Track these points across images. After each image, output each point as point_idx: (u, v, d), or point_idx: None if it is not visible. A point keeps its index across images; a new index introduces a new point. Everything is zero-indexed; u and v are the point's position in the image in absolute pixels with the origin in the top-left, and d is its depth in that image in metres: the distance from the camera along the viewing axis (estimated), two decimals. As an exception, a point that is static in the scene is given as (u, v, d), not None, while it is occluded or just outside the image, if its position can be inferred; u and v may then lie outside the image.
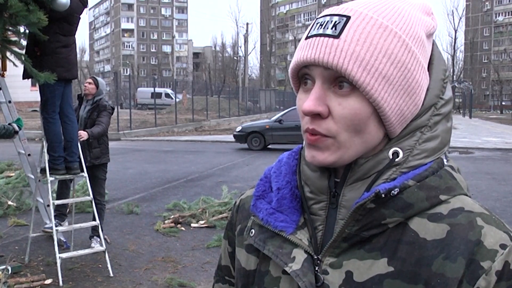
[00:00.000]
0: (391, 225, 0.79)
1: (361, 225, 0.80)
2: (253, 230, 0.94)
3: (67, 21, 5.18)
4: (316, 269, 0.84)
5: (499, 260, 0.74)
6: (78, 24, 5.42)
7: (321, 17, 0.83)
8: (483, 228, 0.77)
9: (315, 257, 0.85)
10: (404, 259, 0.78)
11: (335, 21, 0.79)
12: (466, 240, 0.76)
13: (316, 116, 0.80)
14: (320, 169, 0.87)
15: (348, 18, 0.79)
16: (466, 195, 0.84)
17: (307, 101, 0.80)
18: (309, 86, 0.83)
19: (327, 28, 0.79)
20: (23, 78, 5.19)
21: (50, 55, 5.10)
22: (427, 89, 0.84)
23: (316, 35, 0.80)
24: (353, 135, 0.80)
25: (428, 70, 0.84)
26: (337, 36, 0.78)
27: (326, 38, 0.78)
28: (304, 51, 0.81)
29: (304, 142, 0.91)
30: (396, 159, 0.82)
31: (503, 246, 0.75)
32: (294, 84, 0.88)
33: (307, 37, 0.82)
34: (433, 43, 0.88)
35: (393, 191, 0.77)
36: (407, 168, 0.81)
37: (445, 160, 0.85)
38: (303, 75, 0.84)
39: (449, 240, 0.77)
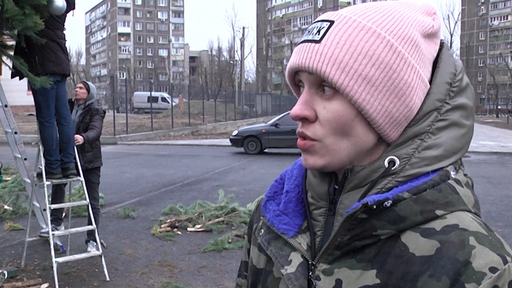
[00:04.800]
0: (383, 237, 0.78)
1: (353, 234, 0.79)
2: (262, 230, 0.96)
3: (51, 16, 5.07)
4: (310, 274, 0.85)
5: (486, 283, 0.70)
6: (64, 21, 5.36)
7: (312, 23, 0.85)
8: (474, 249, 0.73)
9: (310, 262, 0.85)
10: (391, 273, 0.76)
11: (320, 27, 0.81)
12: (454, 259, 0.72)
13: (305, 120, 0.82)
14: (320, 175, 0.88)
15: (332, 22, 0.80)
16: (469, 211, 0.79)
17: (295, 106, 0.82)
18: (301, 92, 0.85)
19: (313, 33, 0.81)
20: (12, 77, 5.15)
21: (38, 49, 5.04)
22: (428, 93, 0.81)
23: (303, 41, 0.82)
24: (340, 138, 0.80)
25: (432, 74, 0.83)
26: (318, 41, 0.79)
27: (310, 44, 0.80)
28: (293, 57, 0.83)
29: None
30: (392, 168, 0.80)
31: (492, 270, 0.71)
32: (294, 91, 0.90)
33: (297, 44, 0.86)
34: (442, 46, 0.86)
35: (385, 203, 0.76)
36: (403, 177, 0.80)
37: (452, 173, 0.81)
38: (299, 81, 0.85)
39: (436, 258, 0.74)
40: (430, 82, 0.83)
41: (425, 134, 0.81)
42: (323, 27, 0.80)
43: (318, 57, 0.78)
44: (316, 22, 0.83)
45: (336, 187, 0.87)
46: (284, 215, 0.91)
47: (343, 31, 0.78)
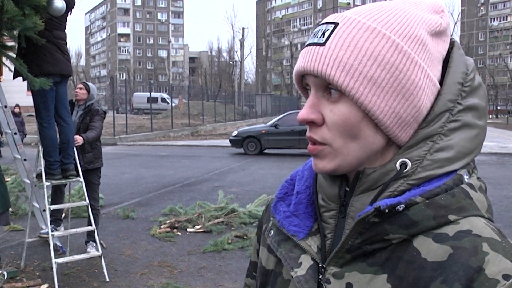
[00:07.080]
0: (395, 241, 0.77)
1: (364, 238, 0.78)
2: (272, 231, 0.95)
3: (49, 16, 5.04)
4: (320, 277, 0.84)
5: None
6: (64, 22, 5.34)
7: (317, 25, 0.84)
8: (488, 255, 0.71)
9: (321, 265, 0.85)
10: (402, 278, 0.75)
11: (324, 29, 0.81)
12: (467, 265, 0.71)
13: (312, 124, 0.81)
14: (330, 177, 0.87)
15: (336, 24, 0.80)
16: (483, 217, 0.77)
17: (302, 109, 0.82)
18: (309, 95, 0.84)
19: (318, 36, 0.81)
20: (14, 78, 5.15)
21: (35, 51, 5.03)
22: (439, 93, 0.80)
23: (309, 44, 0.82)
24: (348, 141, 0.79)
25: (443, 73, 0.82)
26: (323, 44, 0.79)
27: (315, 47, 0.80)
28: (299, 61, 0.83)
29: None
30: (404, 170, 0.79)
31: (506, 277, 0.69)
32: (303, 94, 0.89)
33: (303, 47, 0.84)
34: (453, 45, 0.85)
35: (398, 207, 0.74)
36: (415, 179, 0.78)
37: (465, 177, 0.79)
38: (306, 84, 0.85)
39: (449, 264, 0.72)
40: (441, 81, 0.81)
41: (437, 136, 0.79)
42: (328, 30, 0.80)
43: (323, 60, 0.78)
44: (321, 24, 0.83)
45: (347, 189, 0.85)
46: (295, 216, 0.90)
47: (347, 33, 0.78)
